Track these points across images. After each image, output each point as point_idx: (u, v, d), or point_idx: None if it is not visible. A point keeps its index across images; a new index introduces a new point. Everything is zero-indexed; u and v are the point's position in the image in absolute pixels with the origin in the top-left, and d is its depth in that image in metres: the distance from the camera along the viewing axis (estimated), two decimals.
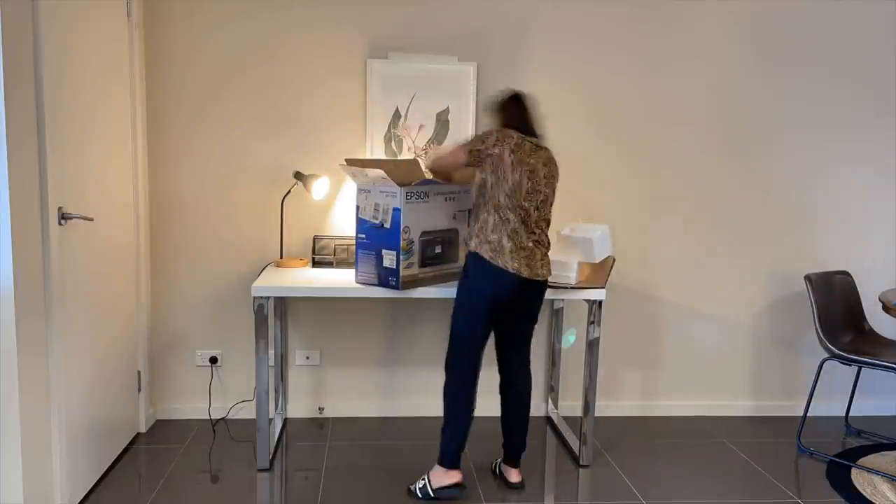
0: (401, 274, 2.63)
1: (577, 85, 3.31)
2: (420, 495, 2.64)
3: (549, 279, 2.81)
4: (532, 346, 3.43)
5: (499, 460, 2.86)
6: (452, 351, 2.62)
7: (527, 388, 2.74)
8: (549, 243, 2.63)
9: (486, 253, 2.50)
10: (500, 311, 2.61)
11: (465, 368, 2.60)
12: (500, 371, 2.75)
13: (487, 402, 3.12)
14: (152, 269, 3.22)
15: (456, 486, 2.62)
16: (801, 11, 3.35)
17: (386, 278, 2.68)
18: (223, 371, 3.34)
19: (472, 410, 2.63)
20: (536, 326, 3.43)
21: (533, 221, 2.55)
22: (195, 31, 3.11)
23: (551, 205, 2.63)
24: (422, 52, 3.22)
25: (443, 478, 2.62)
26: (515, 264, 2.50)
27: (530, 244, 2.54)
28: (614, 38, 3.29)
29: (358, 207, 2.72)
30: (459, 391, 2.61)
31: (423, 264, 2.70)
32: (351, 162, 2.70)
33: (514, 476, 2.76)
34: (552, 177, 2.61)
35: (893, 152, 3.49)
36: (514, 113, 2.63)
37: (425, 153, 3.25)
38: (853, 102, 3.44)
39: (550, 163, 2.61)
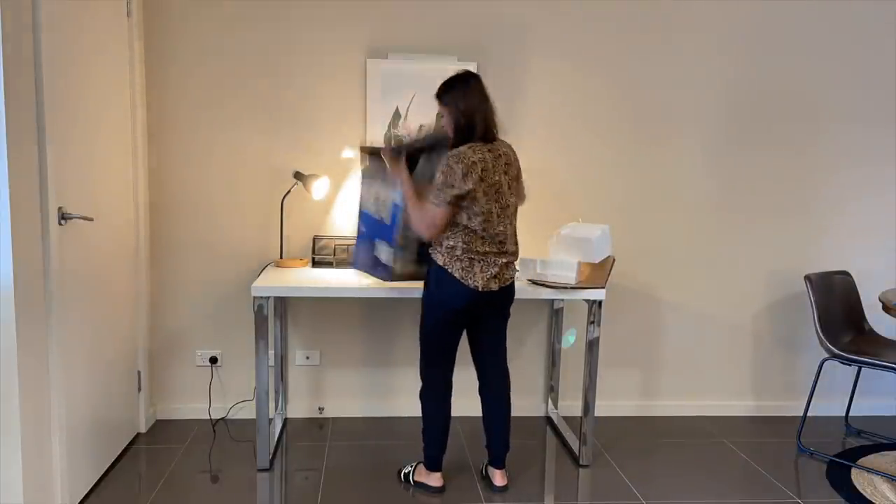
0: (392, 268, 2.62)
1: (577, 84, 3.31)
2: (402, 479, 2.77)
3: (550, 279, 2.81)
4: (532, 346, 3.46)
5: (485, 462, 2.84)
6: (423, 360, 2.64)
7: (505, 388, 2.73)
8: (518, 249, 2.61)
9: (455, 271, 2.46)
10: (469, 318, 2.60)
11: (438, 377, 2.63)
12: (478, 373, 2.74)
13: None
14: (152, 270, 3.22)
15: (434, 488, 2.69)
16: (799, 10, 3.35)
17: (376, 269, 2.68)
18: (223, 371, 3.34)
19: (447, 417, 2.66)
20: (536, 326, 3.46)
21: (506, 236, 2.52)
22: (195, 31, 3.11)
23: (517, 202, 2.61)
24: (422, 52, 3.21)
25: (424, 476, 2.72)
26: (482, 282, 2.48)
27: (501, 261, 2.52)
28: (614, 38, 3.29)
29: (361, 197, 2.70)
30: (432, 399, 2.65)
31: (418, 260, 2.68)
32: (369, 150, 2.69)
33: (498, 479, 2.73)
34: (516, 176, 2.57)
35: (893, 152, 3.49)
36: (475, 112, 2.45)
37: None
38: (853, 103, 3.44)
39: (511, 161, 2.54)
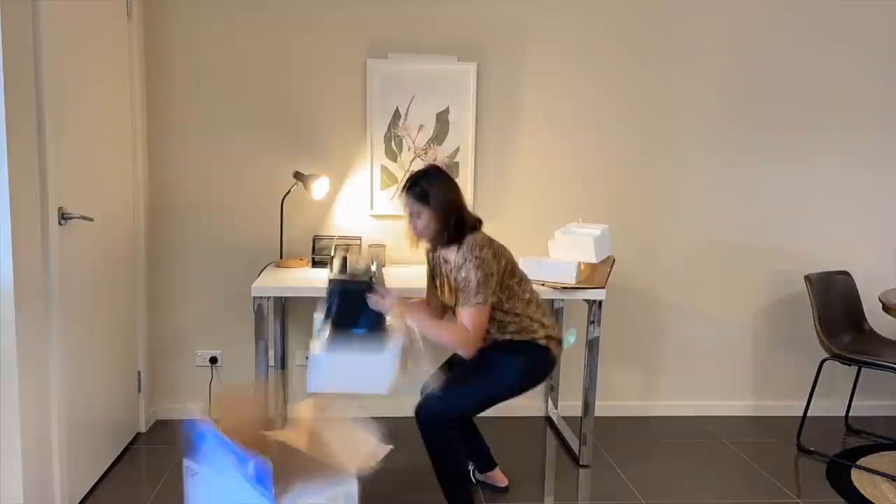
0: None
1: (576, 84, 3.31)
2: None
3: (550, 279, 2.81)
4: None
5: (470, 468, 2.78)
6: (453, 414, 2.32)
7: None
8: None
9: (555, 349, 2.40)
10: None
11: (457, 430, 2.37)
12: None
13: None
14: (152, 269, 3.22)
15: None
16: (800, 13, 3.35)
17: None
18: (223, 371, 3.34)
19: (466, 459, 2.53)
20: None
21: None
22: (195, 32, 3.11)
23: None
24: (422, 52, 3.22)
25: None
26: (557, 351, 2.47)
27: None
28: (614, 38, 3.29)
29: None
30: (455, 446, 2.35)
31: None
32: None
33: (502, 479, 2.73)
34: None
35: (894, 152, 3.49)
36: (458, 198, 2.34)
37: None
38: (853, 103, 3.43)
39: None
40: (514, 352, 2.38)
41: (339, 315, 2.22)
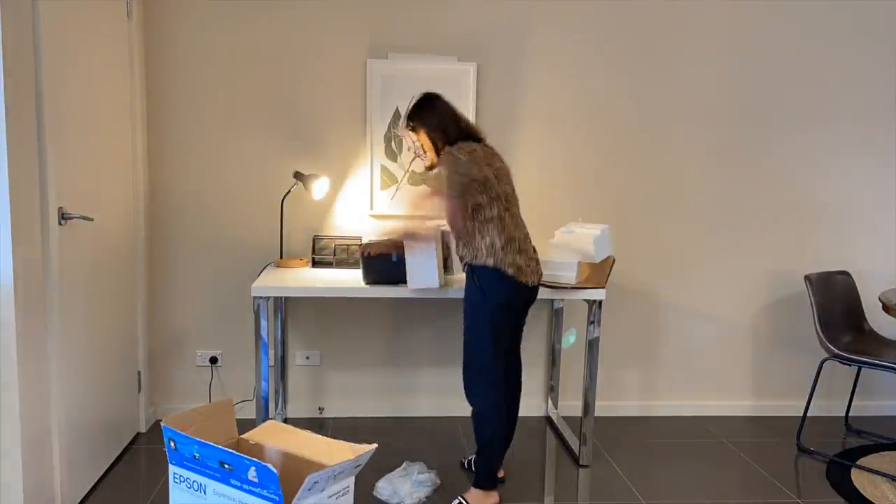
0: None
1: (576, 84, 3.31)
2: None
3: (550, 279, 2.82)
4: (532, 346, 3.47)
5: (471, 457, 2.83)
6: (477, 372, 2.47)
7: (520, 382, 2.75)
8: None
9: (508, 268, 2.40)
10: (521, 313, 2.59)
11: (495, 387, 2.47)
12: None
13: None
14: (152, 269, 3.23)
15: None
16: (797, 13, 3.35)
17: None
18: (223, 371, 3.34)
19: (505, 426, 2.55)
20: (536, 326, 3.46)
21: (523, 224, 2.54)
22: (195, 31, 3.11)
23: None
24: (422, 52, 3.22)
25: (483, 500, 2.55)
26: (534, 278, 2.48)
27: (531, 250, 2.52)
28: (613, 38, 3.29)
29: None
30: (493, 412, 2.47)
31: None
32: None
33: (498, 472, 2.74)
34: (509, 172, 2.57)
35: (893, 151, 3.49)
36: (452, 118, 2.47)
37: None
38: (853, 101, 3.44)
39: (503, 161, 2.54)
40: (470, 281, 2.47)
41: (379, 270, 2.73)
